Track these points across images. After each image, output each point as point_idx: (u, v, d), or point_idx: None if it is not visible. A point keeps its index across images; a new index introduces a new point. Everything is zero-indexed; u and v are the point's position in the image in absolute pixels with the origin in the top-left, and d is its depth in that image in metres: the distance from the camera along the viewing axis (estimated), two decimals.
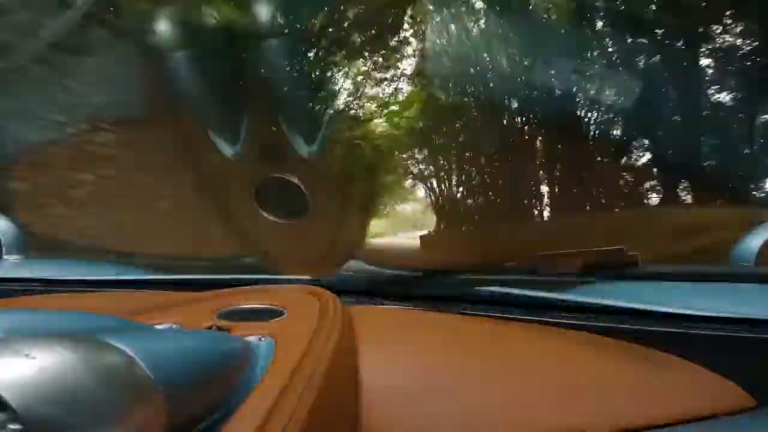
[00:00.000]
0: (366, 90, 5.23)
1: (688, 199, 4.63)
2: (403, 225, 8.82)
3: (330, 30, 4.59)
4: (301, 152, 3.60)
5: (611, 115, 4.84)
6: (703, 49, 4.25)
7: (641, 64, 4.50)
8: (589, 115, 4.94)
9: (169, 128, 3.13)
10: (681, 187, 4.76)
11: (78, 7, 2.63)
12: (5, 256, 0.98)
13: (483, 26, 4.97)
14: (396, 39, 5.11)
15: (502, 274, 0.63)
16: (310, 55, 4.53)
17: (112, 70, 2.78)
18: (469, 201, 6.81)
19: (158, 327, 0.41)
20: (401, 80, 5.29)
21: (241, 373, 0.31)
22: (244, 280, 0.75)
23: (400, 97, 5.33)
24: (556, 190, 5.67)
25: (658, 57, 4.45)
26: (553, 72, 3.83)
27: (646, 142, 4.95)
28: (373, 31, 4.95)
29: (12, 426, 0.17)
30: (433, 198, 7.27)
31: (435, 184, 7.20)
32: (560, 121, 4.75)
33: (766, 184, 4.30)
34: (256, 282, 0.68)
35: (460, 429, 0.35)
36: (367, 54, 5.10)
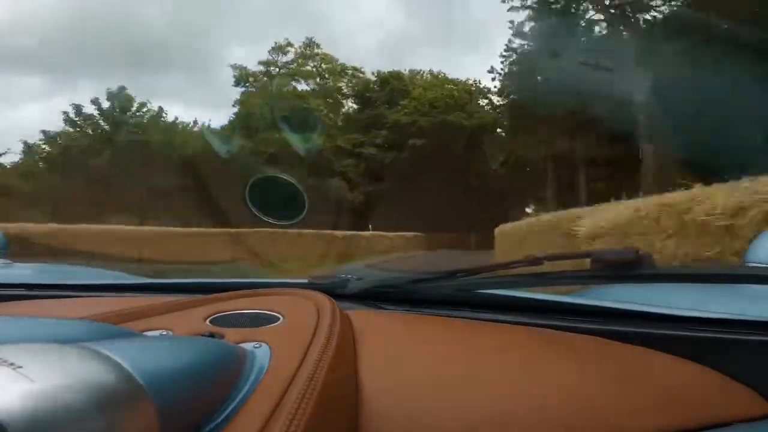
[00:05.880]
0: None
1: None
2: None
3: None
4: None
5: None
6: None
7: None
8: None
9: None
10: None
11: None
12: None
13: None
14: None
15: (506, 276, 0.61)
16: None
17: None
18: None
19: (148, 334, 0.39)
20: None
21: (235, 381, 0.30)
22: (238, 284, 0.73)
23: None
24: None
25: None
26: None
27: None
28: None
29: None
30: None
31: None
32: None
33: None
34: (251, 286, 0.66)
35: None
36: None
